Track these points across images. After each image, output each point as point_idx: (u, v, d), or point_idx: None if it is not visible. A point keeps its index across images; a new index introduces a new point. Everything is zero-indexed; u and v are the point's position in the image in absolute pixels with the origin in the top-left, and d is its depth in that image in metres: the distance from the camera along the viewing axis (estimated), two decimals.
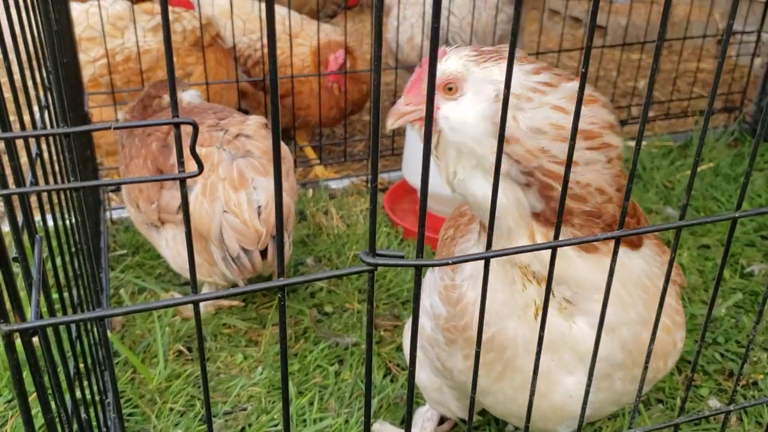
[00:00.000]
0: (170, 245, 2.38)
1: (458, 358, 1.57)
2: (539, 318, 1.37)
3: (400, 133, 3.98)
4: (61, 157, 1.68)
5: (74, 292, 1.66)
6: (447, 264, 0.97)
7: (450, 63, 1.28)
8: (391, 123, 1.34)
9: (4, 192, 0.83)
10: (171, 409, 2.12)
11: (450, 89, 1.27)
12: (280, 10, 3.51)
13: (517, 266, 1.36)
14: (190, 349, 2.37)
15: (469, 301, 1.51)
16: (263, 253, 2.24)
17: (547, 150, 1.21)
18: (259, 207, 2.21)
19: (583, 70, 0.92)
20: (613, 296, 1.33)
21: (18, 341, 0.89)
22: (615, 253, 1.04)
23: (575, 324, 1.37)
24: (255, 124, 2.40)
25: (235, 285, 2.55)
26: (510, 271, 1.38)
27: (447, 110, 1.26)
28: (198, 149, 2.20)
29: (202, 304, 2.36)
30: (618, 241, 1.04)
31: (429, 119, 0.84)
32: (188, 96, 2.67)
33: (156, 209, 2.32)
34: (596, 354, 1.14)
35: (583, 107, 1.21)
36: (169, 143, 2.38)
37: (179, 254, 2.36)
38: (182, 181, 0.81)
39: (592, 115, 1.25)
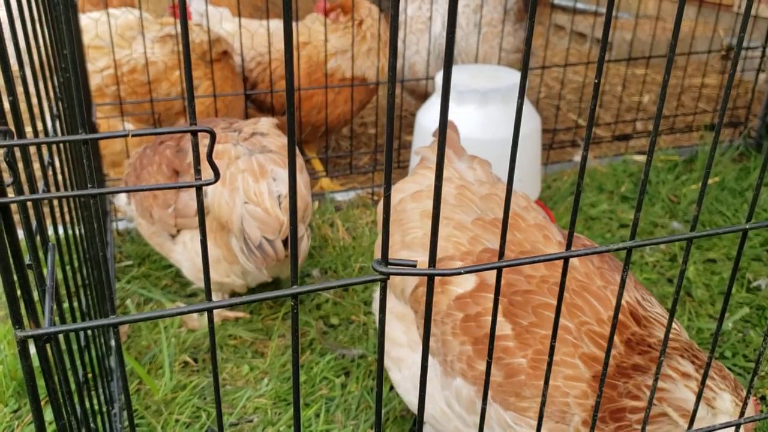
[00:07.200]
0: (188, 247, 2.37)
1: None
2: None
3: (405, 146, 3.99)
4: (70, 167, 1.69)
5: (83, 300, 1.67)
6: (459, 273, 0.97)
7: None
8: None
9: (21, 198, 0.84)
10: (177, 421, 2.11)
11: None
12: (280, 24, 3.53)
13: None
14: (195, 360, 2.36)
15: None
16: (284, 243, 2.24)
17: None
18: (280, 196, 2.22)
19: (596, 81, 0.92)
20: None
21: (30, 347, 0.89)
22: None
23: None
24: (268, 123, 2.44)
25: (240, 294, 2.55)
26: None
27: None
28: (215, 146, 2.23)
29: (199, 314, 2.36)
30: (630, 252, 1.04)
31: (443, 130, 0.84)
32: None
33: (173, 213, 2.33)
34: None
35: None
36: (183, 147, 2.39)
37: (198, 255, 2.35)
38: (198, 189, 0.82)
39: None
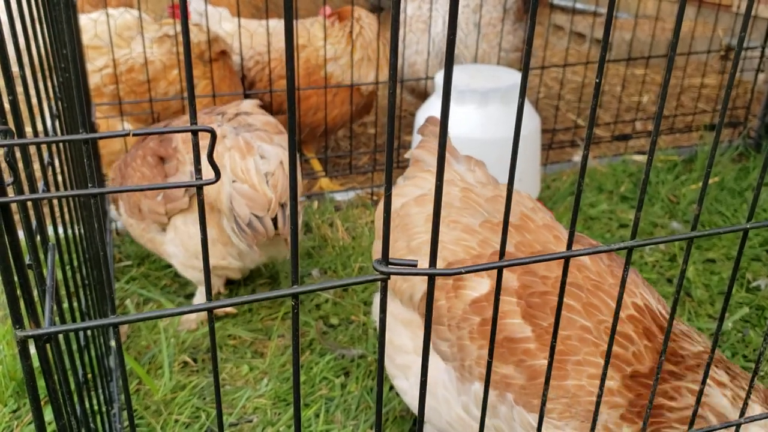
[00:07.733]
0: (180, 231, 2.37)
1: None
2: None
3: (405, 146, 3.99)
4: (69, 167, 1.69)
5: (83, 300, 1.67)
6: (460, 273, 0.97)
7: None
8: None
9: (21, 198, 0.83)
10: (176, 421, 2.11)
11: None
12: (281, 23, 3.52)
13: None
14: (195, 360, 2.36)
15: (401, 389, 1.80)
16: (274, 222, 2.26)
17: None
18: (267, 174, 2.23)
19: (597, 81, 0.92)
20: None
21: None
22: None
23: None
24: (250, 103, 2.49)
25: (235, 280, 2.55)
26: None
27: None
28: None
29: (197, 314, 2.35)
30: (630, 251, 1.04)
31: (444, 130, 0.84)
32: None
33: (162, 201, 2.33)
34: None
35: None
36: (167, 136, 2.40)
37: (190, 238, 2.36)
38: (199, 189, 0.82)
39: None
